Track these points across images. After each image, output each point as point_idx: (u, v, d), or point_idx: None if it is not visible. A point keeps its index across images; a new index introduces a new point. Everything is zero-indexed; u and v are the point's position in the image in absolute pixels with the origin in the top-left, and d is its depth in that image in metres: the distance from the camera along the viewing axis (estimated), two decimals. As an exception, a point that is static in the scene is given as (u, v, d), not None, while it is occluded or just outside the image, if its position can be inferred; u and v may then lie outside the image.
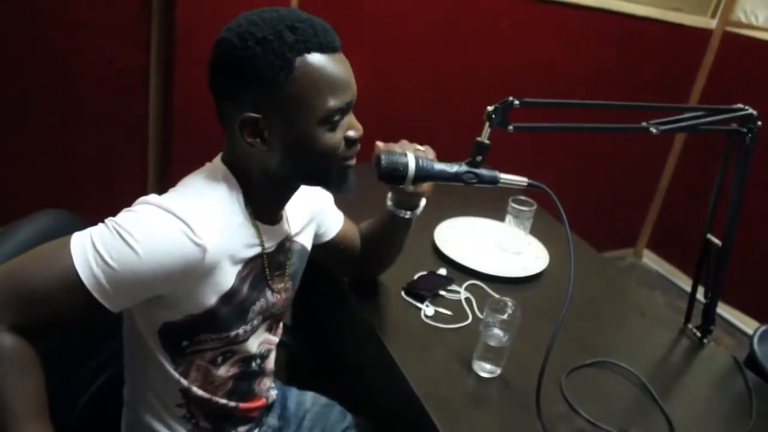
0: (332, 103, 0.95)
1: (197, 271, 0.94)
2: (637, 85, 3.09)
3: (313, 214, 1.22)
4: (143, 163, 2.24)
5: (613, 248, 3.73)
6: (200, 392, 1.09)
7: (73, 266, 0.86)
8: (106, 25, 1.98)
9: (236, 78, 0.94)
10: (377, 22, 2.35)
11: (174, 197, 0.97)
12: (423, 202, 1.30)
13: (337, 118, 0.97)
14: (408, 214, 1.29)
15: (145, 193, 0.95)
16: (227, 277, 0.99)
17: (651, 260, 3.76)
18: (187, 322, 0.99)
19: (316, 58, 0.93)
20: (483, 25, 2.60)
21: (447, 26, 2.52)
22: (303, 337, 1.52)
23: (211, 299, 0.99)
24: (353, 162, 1.04)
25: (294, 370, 1.83)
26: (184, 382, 1.06)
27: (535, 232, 1.72)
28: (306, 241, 1.21)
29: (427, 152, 1.18)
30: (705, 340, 1.49)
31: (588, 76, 2.94)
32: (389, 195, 1.28)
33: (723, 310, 3.22)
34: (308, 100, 0.94)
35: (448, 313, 1.41)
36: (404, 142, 1.19)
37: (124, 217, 0.91)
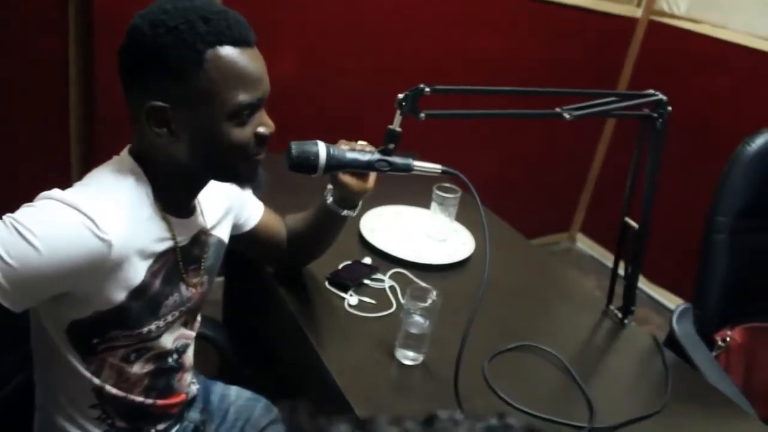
0: (242, 98, 0.93)
1: (104, 267, 0.91)
2: (567, 73, 3.14)
3: (230, 205, 1.20)
4: (65, 155, 2.16)
5: (549, 233, 3.80)
6: (114, 391, 1.06)
7: None
8: (18, 10, 1.89)
9: (145, 66, 0.92)
10: (302, 8, 2.32)
11: (77, 191, 0.94)
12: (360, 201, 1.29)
13: (246, 113, 0.96)
14: (347, 212, 1.28)
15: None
16: (137, 272, 0.97)
17: (585, 244, 3.84)
18: (95, 318, 0.96)
19: (228, 52, 0.92)
20: (414, 15, 2.59)
21: (376, 14, 2.50)
22: (234, 332, 1.49)
23: (120, 295, 0.96)
24: (262, 157, 1.02)
25: (225, 366, 1.80)
26: (97, 381, 1.03)
27: (461, 218, 1.73)
28: (223, 234, 1.19)
29: (364, 148, 1.18)
30: (626, 321, 1.53)
31: (519, 65, 2.97)
32: (329, 191, 1.27)
33: (652, 290, 3.32)
34: (217, 94, 0.92)
35: (372, 302, 1.41)
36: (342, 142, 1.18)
37: (24, 212, 0.88)
